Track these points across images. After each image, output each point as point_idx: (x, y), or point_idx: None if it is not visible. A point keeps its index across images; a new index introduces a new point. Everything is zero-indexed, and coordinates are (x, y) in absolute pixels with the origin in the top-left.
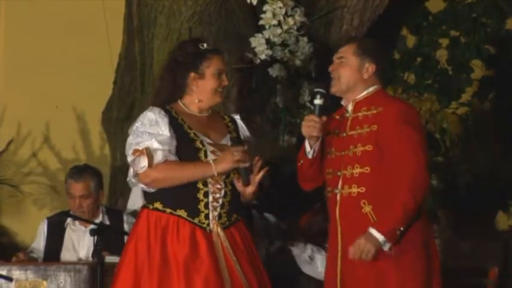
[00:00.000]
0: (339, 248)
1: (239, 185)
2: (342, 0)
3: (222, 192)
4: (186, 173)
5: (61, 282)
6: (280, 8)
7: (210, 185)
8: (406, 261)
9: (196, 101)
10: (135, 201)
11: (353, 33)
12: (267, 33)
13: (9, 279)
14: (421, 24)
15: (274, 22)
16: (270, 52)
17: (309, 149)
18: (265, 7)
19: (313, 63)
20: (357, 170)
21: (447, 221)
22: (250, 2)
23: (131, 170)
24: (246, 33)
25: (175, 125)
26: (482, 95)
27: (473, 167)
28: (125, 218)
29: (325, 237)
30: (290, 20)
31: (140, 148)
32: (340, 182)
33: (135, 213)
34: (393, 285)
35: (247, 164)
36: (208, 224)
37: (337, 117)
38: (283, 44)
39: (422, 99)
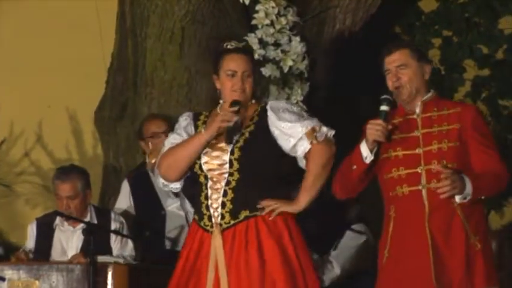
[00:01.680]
0: (429, 241)
1: None
2: (335, 0)
3: (221, 191)
4: (181, 147)
5: (53, 282)
6: (273, 7)
7: (209, 187)
8: (489, 253)
9: (221, 101)
10: (122, 201)
11: (346, 32)
12: (259, 33)
13: (1, 279)
14: (413, 24)
15: (267, 22)
16: (262, 52)
17: (367, 153)
18: (258, 7)
19: (306, 63)
20: (444, 165)
21: None
22: (243, 1)
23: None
24: (238, 33)
25: (195, 127)
26: (475, 95)
27: None
28: (112, 216)
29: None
30: (283, 20)
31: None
32: (423, 178)
33: (124, 214)
34: (482, 277)
35: (231, 123)
36: (211, 226)
37: (394, 121)
38: (276, 44)
39: None
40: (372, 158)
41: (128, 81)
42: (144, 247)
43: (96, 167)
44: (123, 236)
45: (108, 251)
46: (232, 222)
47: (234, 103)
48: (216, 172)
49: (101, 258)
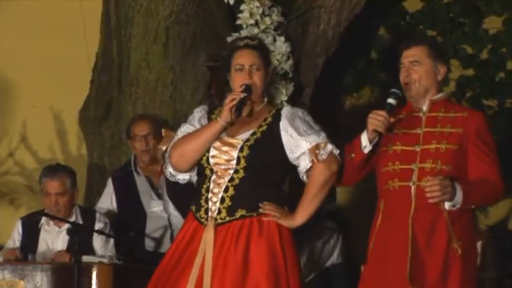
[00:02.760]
0: (409, 235)
1: None
2: (319, 0)
3: (223, 186)
4: (195, 135)
5: (38, 282)
6: (257, 7)
7: (212, 180)
8: (470, 261)
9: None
10: (104, 201)
11: (330, 33)
12: (244, 33)
13: None
14: (398, 24)
15: (252, 22)
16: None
17: (367, 143)
18: (243, 6)
19: (291, 63)
20: (439, 166)
21: None
22: (228, 1)
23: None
24: (223, 33)
25: (209, 120)
26: (459, 95)
27: None
28: (97, 216)
29: None
30: (267, 20)
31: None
32: (415, 175)
33: (108, 213)
34: (457, 283)
35: (235, 101)
36: (206, 219)
37: (400, 116)
38: None
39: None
40: (370, 148)
41: (112, 81)
42: (128, 247)
43: (80, 167)
44: (107, 236)
45: (91, 251)
46: (227, 218)
47: (243, 86)
48: (222, 167)
49: (86, 258)
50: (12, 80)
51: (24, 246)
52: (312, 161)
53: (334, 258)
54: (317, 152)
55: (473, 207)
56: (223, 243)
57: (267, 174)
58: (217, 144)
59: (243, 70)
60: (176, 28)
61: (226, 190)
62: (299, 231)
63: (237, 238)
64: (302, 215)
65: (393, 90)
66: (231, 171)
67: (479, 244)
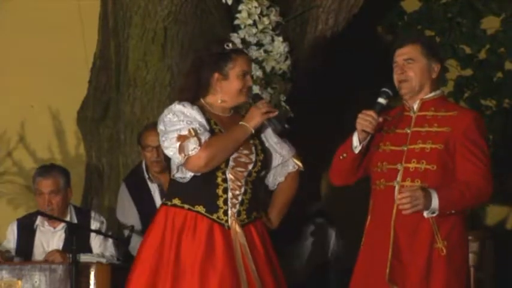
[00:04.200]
0: (391, 238)
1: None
2: (317, 0)
3: (242, 189)
4: (230, 140)
5: (36, 281)
6: (256, 7)
7: (230, 182)
8: (456, 260)
9: (219, 101)
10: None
11: (328, 33)
12: (242, 33)
13: None
14: (396, 24)
15: (250, 22)
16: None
17: (357, 143)
18: (241, 7)
19: (289, 63)
20: (423, 166)
21: None
22: (226, 1)
23: (176, 161)
24: (221, 33)
25: (205, 118)
26: (457, 95)
27: None
28: (92, 216)
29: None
30: (265, 20)
31: (184, 133)
32: (400, 175)
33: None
34: (440, 282)
35: (276, 113)
36: (226, 221)
37: (389, 118)
38: (259, 44)
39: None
40: (360, 148)
41: (110, 81)
42: (127, 245)
43: (78, 167)
44: (104, 235)
45: (88, 251)
46: (246, 220)
47: (258, 97)
48: (239, 169)
49: (84, 258)
50: (10, 80)
51: (20, 247)
52: (296, 168)
53: (329, 253)
54: (300, 158)
55: (453, 212)
56: (252, 244)
57: (263, 177)
58: None
59: (246, 77)
60: (174, 28)
61: (245, 192)
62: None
63: (259, 237)
64: (277, 219)
65: (384, 89)
66: (246, 174)
67: (477, 244)
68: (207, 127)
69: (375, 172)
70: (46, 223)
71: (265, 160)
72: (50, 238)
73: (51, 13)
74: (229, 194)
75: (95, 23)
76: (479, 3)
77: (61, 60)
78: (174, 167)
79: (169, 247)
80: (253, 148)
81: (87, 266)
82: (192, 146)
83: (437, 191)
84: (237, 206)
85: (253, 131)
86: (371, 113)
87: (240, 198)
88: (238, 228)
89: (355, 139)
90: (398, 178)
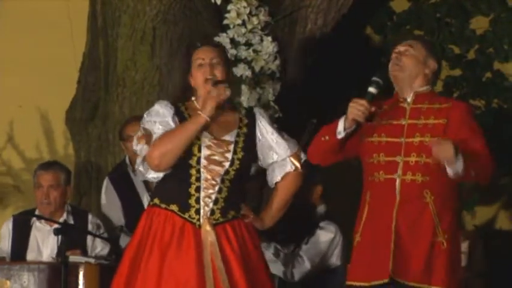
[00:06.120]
0: (393, 228)
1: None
2: (306, 0)
3: (217, 188)
4: (179, 133)
5: (24, 282)
6: (245, 7)
7: (203, 180)
8: (455, 255)
9: (193, 98)
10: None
11: (318, 32)
12: (231, 33)
13: None
14: (385, 24)
15: (239, 21)
16: (234, 52)
17: (341, 129)
18: (230, 6)
19: (278, 63)
20: (423, 159)
21: None
22: (215, 1)
23: (138, 160)
24: (210, 33)
25: (180, 117)
26: (446, 95)
27: None
28: (89, 218)
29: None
30: (254, 20)
31: (140, 134)
32: (400, 168)
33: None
34: (441, 276)
35: (227, 93)
36: (198, 219)
37: (385, 106)
38: (248, 44)
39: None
40: (343, 135)
41: (99, 81)
42: (116, 245)
43: (67, 167)
44: (96, 236)
45: (84, 251)
46: (221, 219)
47: (214, 81)
48: (213, 167)
49: (72, 258)
50: None
51: (15, 245)
52: (294, 169)
53: (334, 259)
54: (298, 159)
55: (473, 174)
56: (225, 244)
57: (247, 176)
58: (207, 143)
59: (204, 65)
60: (163, 28)
61: (220, 191)
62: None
63: (235, 238)
64: (270, 221)
65: (374, 78)
66: (222, 172)
67: (466, 244)
68: (172, 125)
69: (370, 163)
70: (43, 220)
71: (247, 158)
72: (45, 236)
73: (39, 13)
74: (202, 193)
75: (84, 23)
76: (468, 4)
77: (50, 60)
78: None
79: (144, 247)
80: (231, 146)
81: (75, 266)
82: (145, 147)
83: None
84: (210, 204)
85: (208, 119)
86: (363, 102)
87: (213, 197)
88: (208, 227)
89: (341, 125)
90: (399, 171)
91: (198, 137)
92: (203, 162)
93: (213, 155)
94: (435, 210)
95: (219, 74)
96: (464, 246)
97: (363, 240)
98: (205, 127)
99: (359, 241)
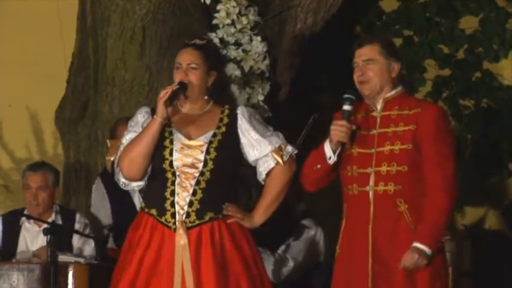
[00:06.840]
0: (369, 243)
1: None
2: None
3: (191, 190)
4: (140, 139)
5: (14, 281)
6: (234, 7)
7: (177, 184)
8: (437, 262)
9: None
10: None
11: (307, 32)
12: (220, 33)
13: None
14: (374, 24)
15: (228, 21)
16: (223, 51)
17: (331, 154)
18: (219, 6)
19: (267, 63)
20: (394, 168)
21: None
22: (204, 1)
23: (117, 170)
24: (199, 32)
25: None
26: (435, 95)
27: None
28: (77, 217)
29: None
30: (244, 19)
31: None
32: (372, 179)
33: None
34: (425, 281)
35: (168, 92)
36: (174, 223)
37: (359, 115)
38: (237, 43)
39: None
40: (335, 159)
41: (88, 80)
42: (103, 245)
43: (56, 167)
44: (85, 236)
45: (70, 251)
46: (197, 222)
47: (177, 83)
48: (187, 170)
49: (62, 258)
50: None
51: (5, 244)
52: (277, 163)
53: (317, 256)
54: (281, 153)
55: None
56: (199, 246)
57: (229, 175)
58: (179, 147)
59: (179, 69)
60: (152, 28)
61: (194, 193)
62: (279, 234)
63: (211, 240)
64: (261, 217)
65: (347, 96)
66: (197, 174)
67: (454, 244)
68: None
69: (345, 175)
70: (32, 220)
71: (223, 158)
72: (34, 236)
73: (29, 12)
74: (176, 197)
75: (73, 23)
76: (457, 3)
77: (39, 59)
78: None
79: (129, 249)
80: (203, 147)
81: (65, 266)
82: (117, 159)
83: (419, 239)
84: (185, 207)
85: (161, 119)
86: (343, 122)
87: (188, 199)
88: (181, 231)
89: (328, 149)
90: (371, 183)
91: (171, 141)
92: (175, 164)
93: (186, 157)
94: (410, 219)
95: (194, 78)
96: (452, 245)
97: (342, 253)
98: (184, 131)
99: (339, 253)
